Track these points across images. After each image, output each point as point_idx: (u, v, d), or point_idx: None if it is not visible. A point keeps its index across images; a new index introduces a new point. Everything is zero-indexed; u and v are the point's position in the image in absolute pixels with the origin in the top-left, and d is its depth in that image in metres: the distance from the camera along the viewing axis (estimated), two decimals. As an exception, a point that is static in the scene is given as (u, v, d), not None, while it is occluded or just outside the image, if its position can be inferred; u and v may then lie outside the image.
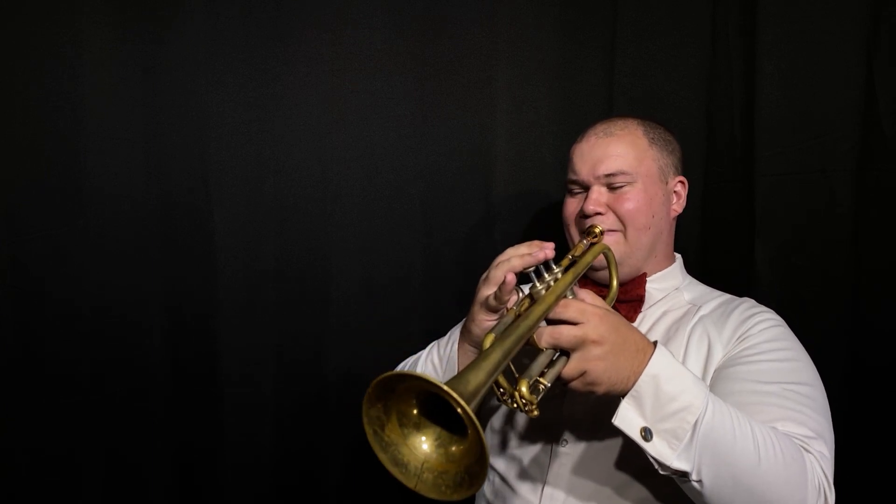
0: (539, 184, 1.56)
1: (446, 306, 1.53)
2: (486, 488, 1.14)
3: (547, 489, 1.01)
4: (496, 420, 1.14)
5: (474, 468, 0.67)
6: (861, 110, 1.34)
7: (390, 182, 1.56)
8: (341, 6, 1.50)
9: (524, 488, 1.04)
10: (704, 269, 1.48)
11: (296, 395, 1.57)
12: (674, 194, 1.14)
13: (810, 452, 0.84)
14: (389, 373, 0.67)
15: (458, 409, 0.62)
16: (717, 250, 1.50)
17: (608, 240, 1.08)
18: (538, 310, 0.83)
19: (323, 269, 1.55)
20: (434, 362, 1.11)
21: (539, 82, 1.54)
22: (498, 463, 1.11)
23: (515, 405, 0.76)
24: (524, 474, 1.05)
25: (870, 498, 1.34)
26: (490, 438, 1.15)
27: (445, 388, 0.62)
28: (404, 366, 1.19)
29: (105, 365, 1.51)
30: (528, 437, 1.07)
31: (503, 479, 1.09)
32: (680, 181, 1.16)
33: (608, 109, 1.51)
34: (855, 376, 1.36)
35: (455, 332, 1.10)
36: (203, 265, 1.52)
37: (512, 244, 0.97)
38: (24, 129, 1.44)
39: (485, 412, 1.18)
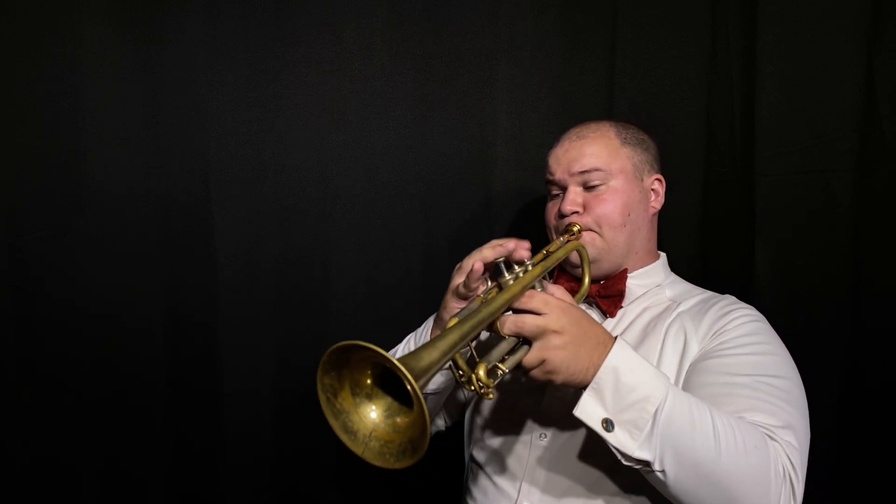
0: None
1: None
2: (469, 481, 1.15)
3: (525, 482, 1.03)
4: (477, 413, 1.15)
5: (418, 440, 0.69)
6: (861, 110, 1.34)
7: (390, 182, 1.56)
8: (342, 6, 1.51)
9: (504, 481, 1.06)
10: (704, 268, 1.48)
11: (295, 395, 1.57)
12: (651, 192, 1.16)
13: (776, 441, 0.84)
14: (343, 342, 0.70)
15: (406, 384, 0.65)
16: (717, 250, 1.49)
17: (585, 238, 1.11)
18: (502, 297, 0.85)
19: (323, 269, 1.55)
20: (410, 349, 1.12)
21: (539, 82, 1.55)
22: (479, 455, 1.12)
23: (472, 388, 0.78)
24: (504, 467, 1.07)
25: (869, 497, 1.34)
26: (471, 431, 1.17)
27: (393, 360, 0.65)
28: None
29: (105, 364, 1.51)
30: (508, 430, 1.09)
31: (484, 471, 1.10)
32: (657, 179, 1.17)
33: (608, 109, 1.51)
34: (854, 376, 1.36)
35: (429, 322, 1.13)
36: (203, 265, 1.52)
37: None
38: (24, 129, 1.45)
39: (468, 403, 1.21)
